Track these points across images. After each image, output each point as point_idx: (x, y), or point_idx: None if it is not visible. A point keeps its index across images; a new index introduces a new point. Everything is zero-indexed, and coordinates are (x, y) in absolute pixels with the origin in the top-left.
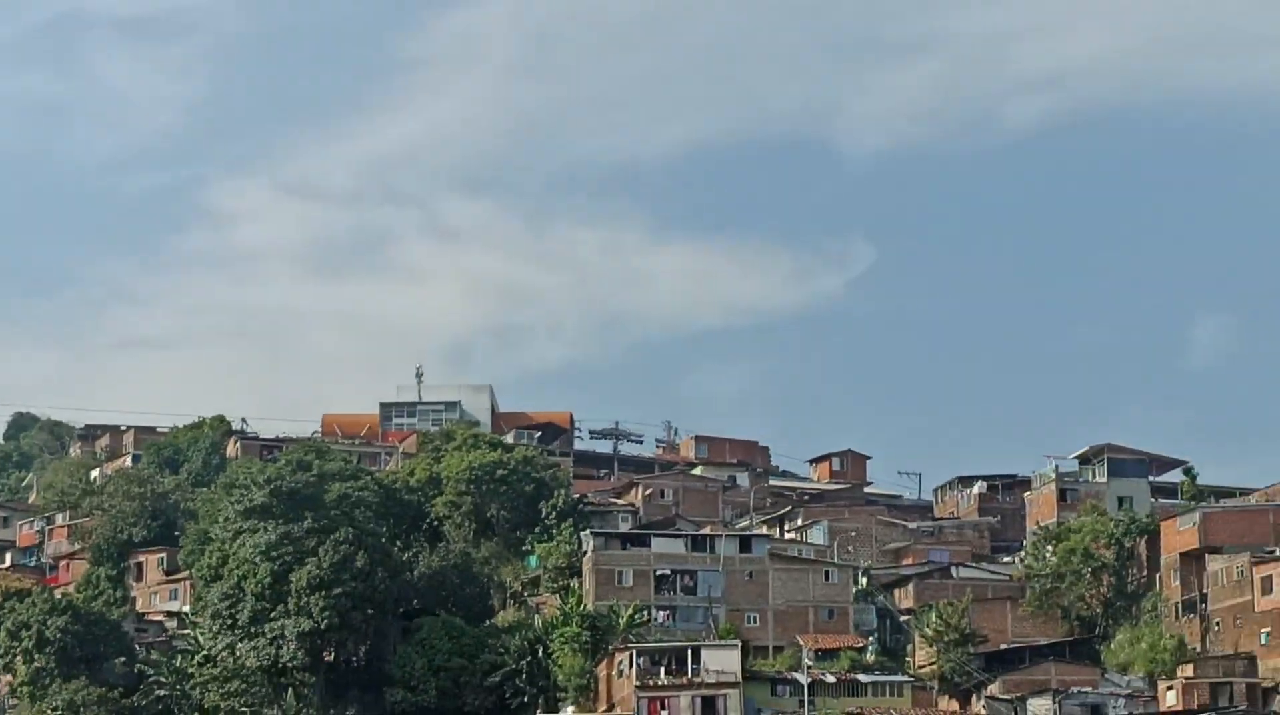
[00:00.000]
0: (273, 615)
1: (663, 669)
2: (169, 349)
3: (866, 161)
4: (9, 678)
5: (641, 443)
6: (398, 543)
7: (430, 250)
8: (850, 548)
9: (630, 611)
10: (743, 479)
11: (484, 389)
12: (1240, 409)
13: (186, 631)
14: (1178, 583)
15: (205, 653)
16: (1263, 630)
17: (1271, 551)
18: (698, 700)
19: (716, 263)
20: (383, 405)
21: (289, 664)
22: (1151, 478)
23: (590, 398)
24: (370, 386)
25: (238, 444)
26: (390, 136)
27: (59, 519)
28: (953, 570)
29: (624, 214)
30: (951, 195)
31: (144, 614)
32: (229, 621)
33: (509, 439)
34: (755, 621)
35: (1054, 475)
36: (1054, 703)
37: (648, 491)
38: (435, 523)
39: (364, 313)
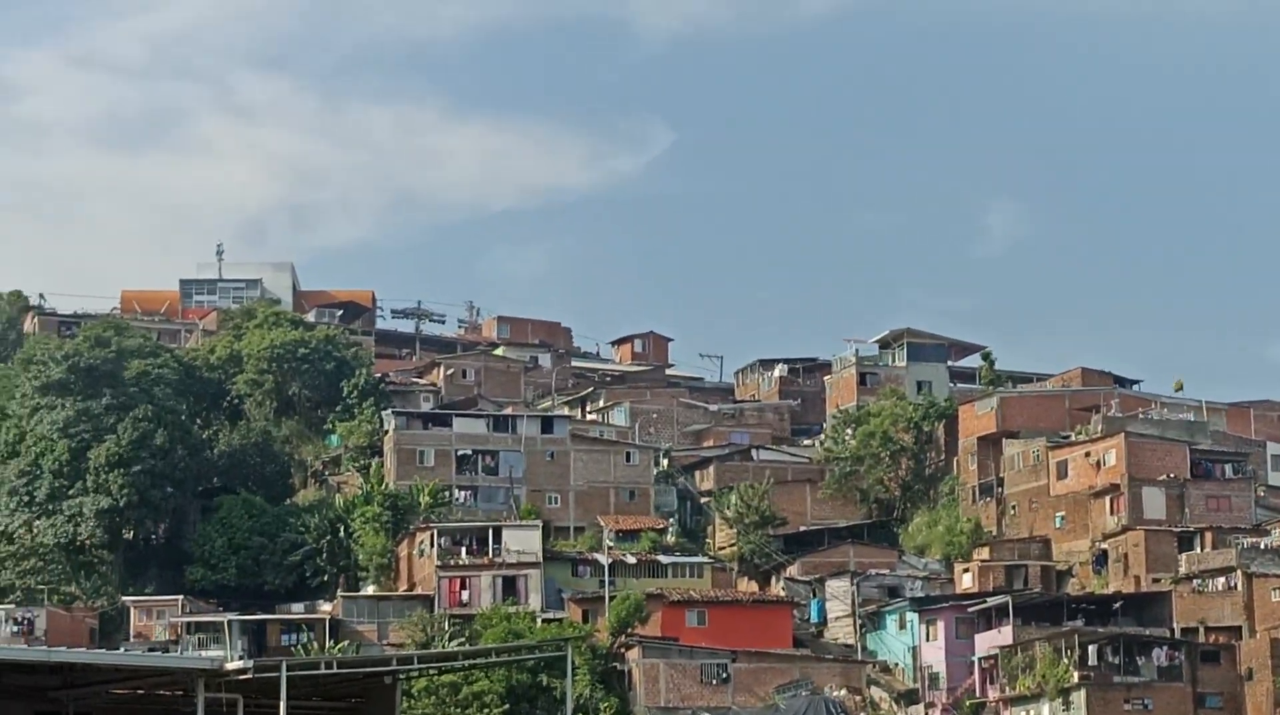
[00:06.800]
0: (71, 493)
1: (464, 549)
2: None
3: (662, 42)
4: None
5: (444, 323)
6: (198, 421)
7: (223, 128)
8: (651, 429)
9: (431, 490)
10: (545, 360)
11: (285, 267)
12: (1033, 295)
13: None
14: (975, 467)
15: (1, 530)
16: (1057, 514)
17: (1066, 436)
18: (499, 580)
19: (511, 142)
20: (182, 282)
21: (87, 542)
22: (950, 363)
23: (389, 278)
24: (165, 264)
25: (35, 319)
26: (182, 11)
27: None
28: (753, 452)
29: (419, 93)
30: (748, 78)
31: None
32: (26, 499)
33: (310, 317)
34: (556, 502)
35: (854, 359)
36: (852, 584)
37: (449, 371)
38: (236, 401)
39: (157, 189)
